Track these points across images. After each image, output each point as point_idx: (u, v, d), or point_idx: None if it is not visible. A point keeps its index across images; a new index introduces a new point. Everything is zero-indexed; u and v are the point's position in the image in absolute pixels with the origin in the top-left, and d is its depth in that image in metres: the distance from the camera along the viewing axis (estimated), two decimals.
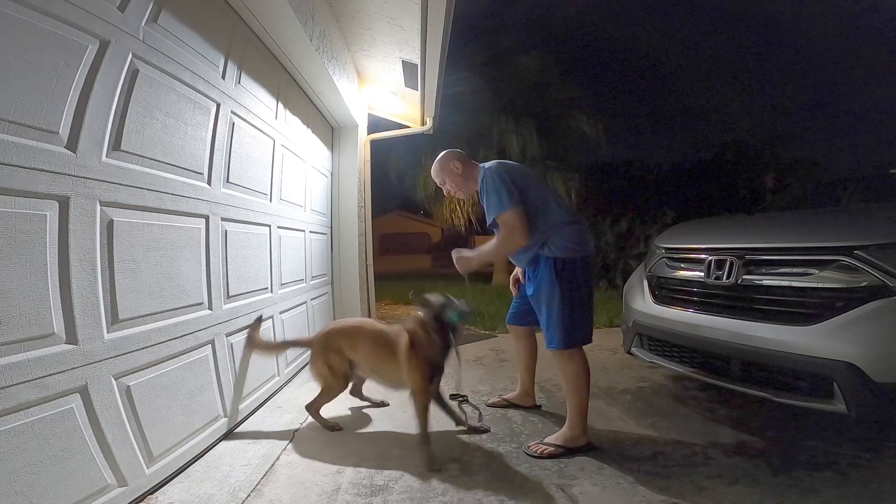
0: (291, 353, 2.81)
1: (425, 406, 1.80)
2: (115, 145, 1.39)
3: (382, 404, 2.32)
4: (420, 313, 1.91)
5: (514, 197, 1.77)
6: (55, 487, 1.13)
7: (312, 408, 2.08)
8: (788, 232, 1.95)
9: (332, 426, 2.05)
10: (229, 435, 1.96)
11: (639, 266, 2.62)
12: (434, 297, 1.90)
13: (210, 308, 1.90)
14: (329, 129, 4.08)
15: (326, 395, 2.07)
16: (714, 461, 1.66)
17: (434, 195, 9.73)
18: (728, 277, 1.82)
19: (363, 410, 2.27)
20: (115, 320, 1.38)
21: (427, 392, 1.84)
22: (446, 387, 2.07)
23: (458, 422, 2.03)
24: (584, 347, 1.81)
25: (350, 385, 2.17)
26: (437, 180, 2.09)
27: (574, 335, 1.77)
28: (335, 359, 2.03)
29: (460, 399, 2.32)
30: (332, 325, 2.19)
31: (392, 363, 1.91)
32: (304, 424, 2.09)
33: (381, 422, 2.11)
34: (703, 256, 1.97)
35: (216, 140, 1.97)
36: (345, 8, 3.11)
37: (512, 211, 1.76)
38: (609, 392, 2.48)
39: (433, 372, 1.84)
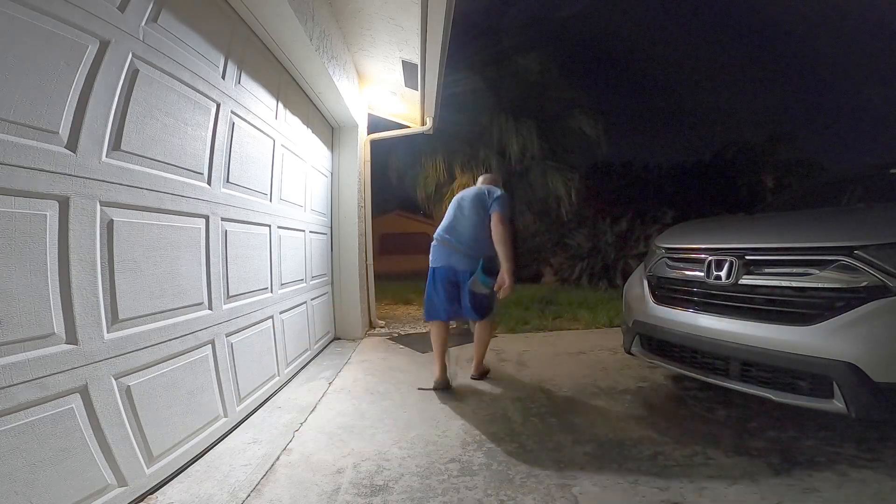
0: (291, 353, 2.84)
1: None
2: (115, 145, 1.40)
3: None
4: None
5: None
6: (55, 487, 1.14)
7: None
8: (788, 232, 1.94)
9: None
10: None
11: (639, 266, 2.62)
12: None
13: (210, 308, 1.90)
14: (329, 129, 4.08)
15: None
16: (714, 461, 1.66)
17: (434, 195, 9.73)
18: (728, 277, 1.82)
19: (364, 408, 2.27)
20: (115, 320, 1.38)
21: None
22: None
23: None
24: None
25: None
26: None
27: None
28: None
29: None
30: None
31: None
32: (303, 424, 2.09)
33: (381, 422, 2.11)
34: (703, 256, 1.97)
35: (216, 140, 1.97)
36: (345, 8, 3.11)
37: None
38: (609, 392, 2.48)
39: None
